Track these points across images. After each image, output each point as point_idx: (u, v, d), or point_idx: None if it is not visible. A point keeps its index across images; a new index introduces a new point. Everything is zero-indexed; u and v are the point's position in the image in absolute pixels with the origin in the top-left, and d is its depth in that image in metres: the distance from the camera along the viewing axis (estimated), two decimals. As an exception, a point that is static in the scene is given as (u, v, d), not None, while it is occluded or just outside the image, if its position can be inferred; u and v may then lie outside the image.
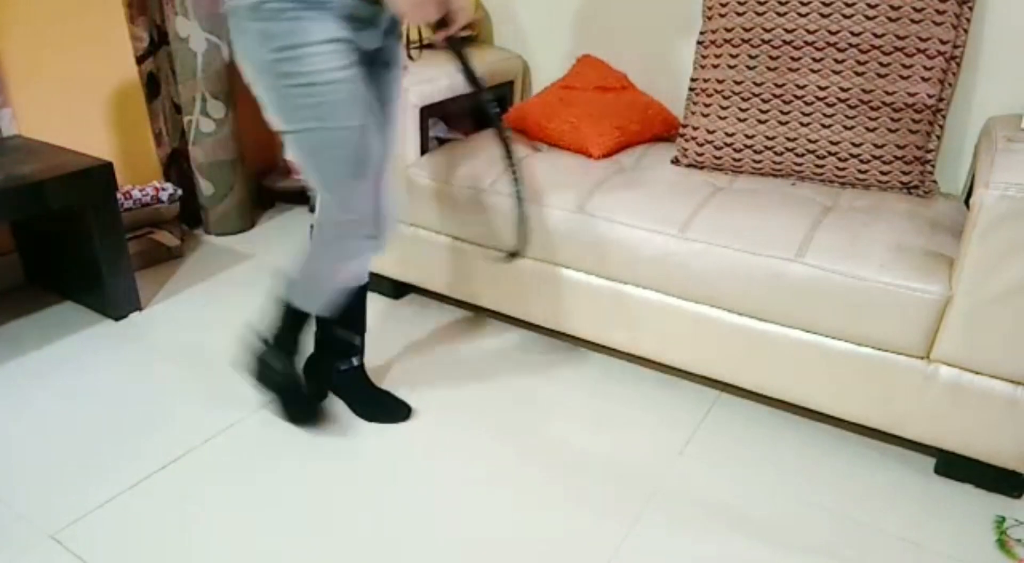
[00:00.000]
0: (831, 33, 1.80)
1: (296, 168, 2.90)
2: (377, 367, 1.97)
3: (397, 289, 2.31)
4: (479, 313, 2.22)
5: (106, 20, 2.40)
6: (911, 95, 1.77)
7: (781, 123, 1.88)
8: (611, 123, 2.08)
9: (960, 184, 1.95)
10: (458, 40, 1.40)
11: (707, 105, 1.96)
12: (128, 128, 2.55)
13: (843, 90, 1.81)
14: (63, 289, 2.29)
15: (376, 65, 1.48)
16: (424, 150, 2.11)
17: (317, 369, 1.79)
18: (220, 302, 2.29)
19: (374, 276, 2.29)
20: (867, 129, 1.81)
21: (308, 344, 1.72)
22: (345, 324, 1.72)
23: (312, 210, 2.78)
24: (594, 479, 1.60)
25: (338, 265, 1.53)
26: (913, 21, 1.75)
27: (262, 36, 1.30)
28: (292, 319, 1.63)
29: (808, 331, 1.63)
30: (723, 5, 1.93)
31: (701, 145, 1.97)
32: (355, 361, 1.77)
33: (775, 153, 1.90)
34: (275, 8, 1.27)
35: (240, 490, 1.56)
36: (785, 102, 1.86)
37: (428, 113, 2.09)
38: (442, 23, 1.37)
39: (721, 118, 1.94)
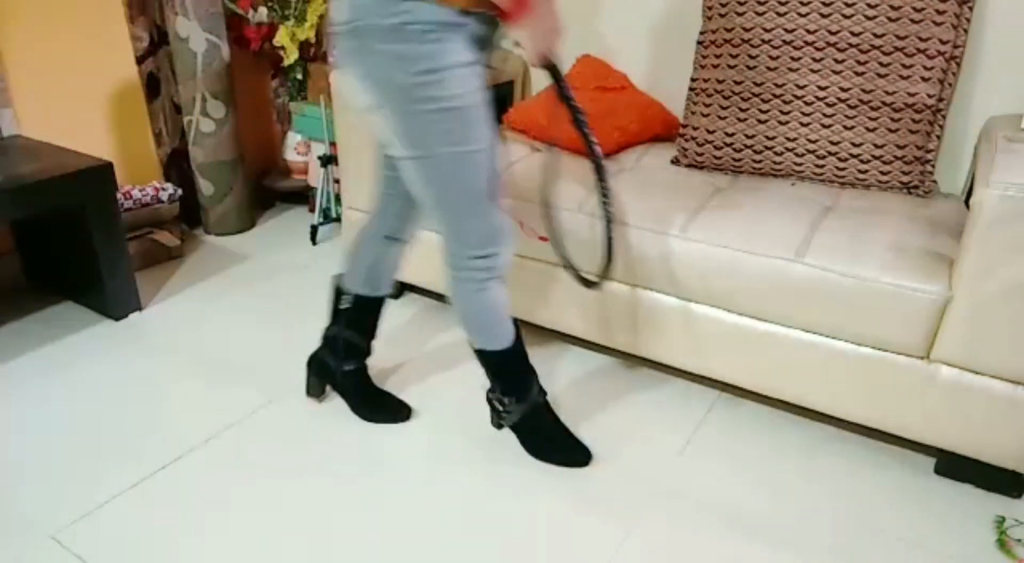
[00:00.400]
0: (831, 33, 1.80)
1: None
2: (376, 367, 1.97)
3: (397, 289, 2.31)
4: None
5: (106, 20, 2.40)
6: (911, 95, 1.77)
7: (781, 123, 1.88)
8: (611, 123, 2.08)
9: (960, 184, 1.95)
10: (554, 63, 1.39)
11: (707, 105, 1.96)
12: (128, 128, 2.55)
13: (843, 90, 1.81)
14: (63, 289, 2.29)
15: None
16: (424, 150, 2.11)
17: (321, 366, 1.79)
18: (220, 302, 2.29)
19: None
20: (867, 129, 1.81)
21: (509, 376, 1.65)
22: (356, 327, 1.73)
23: (312, 210, 2.79)
24: (594, 479, 1.60)
25: (480, 297, 1.49)
26: (913, 21, 1.75)
27: (400, 59, 1.25)
28: (495, 363, 1.59)
29: (808, 331, 1.63)
30: (723, 5, 1.93)
31: (701, 145, 1.97)
32: (360, 362, 1.77)
33: (775, 153, 1.90)
34: (417, 30, 1.23)
35: (240, 490, 1.56)
36: (785, 102, 1.86)
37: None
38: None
39: (721, 118, 1.94)
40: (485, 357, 1.58)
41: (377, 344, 2.08)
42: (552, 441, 1.66)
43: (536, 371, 1.64)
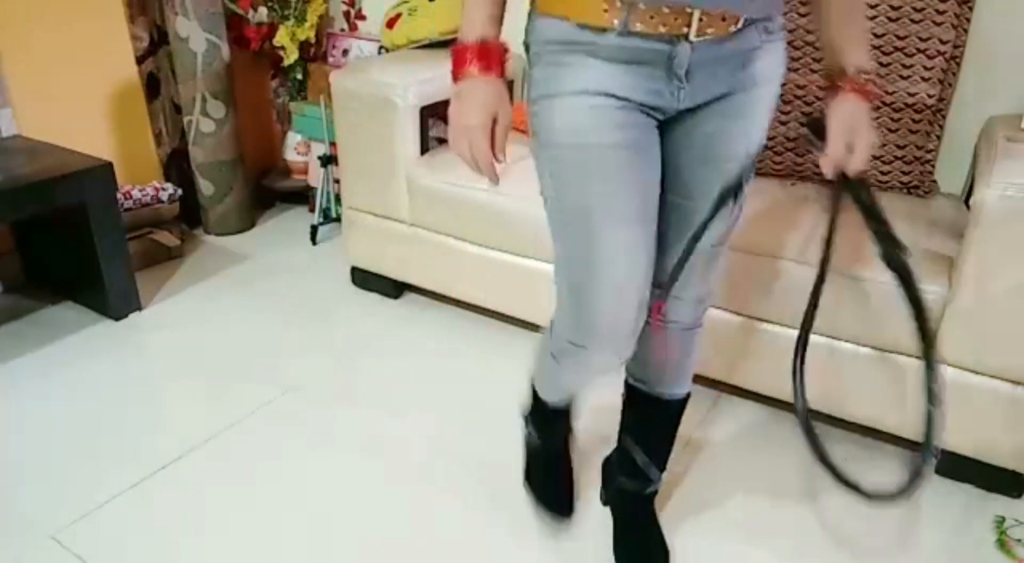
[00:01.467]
0: (831, 33, 1.80)
1: (298, 169, 2.90)
2: (377, 366, 1.97)
3: (397, 288, 2.31)
4: (473, 310, 2.22)
5: (106, 20, 2.40)
6: (911, 95, 1.77)
7: (781, 123, 1.88)
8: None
9: (960, 184, 1.95)
10: (856, 183, 1.08)
11: (707, 105, 1.96)
12: (128, 128, 2.55)
13: (843, 90, 1.81)
14: (63, 289, 2.29)
15: (681, 134, 1.08)
16: (424, 150, 2.11)
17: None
18: (220, 302, 2.29)
19: (372, 275, 2.30)
20: (867, 129, 1.81)
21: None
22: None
23: (312, 210, 2.79)
24: (594, 479, 1.60)
25: (549, 362, 1.26)
26: (913, 21, 1.75)
27: (528, 83, 1.07)
28: (532, 397, 1.43)
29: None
30: (723, 5, 1.93)
31: (701, 145, 1.97)
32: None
33: (775, 153, 1.90)
34: (537, 51, 1.04)
35: (240, 490, 1.56)
36: (785, 102, 1.86)
37: (428, 113, 2.09)
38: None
39: (721, 118, 1.94)
40: (530, 388, 1.43)
41: (375, 343, 2.09)
42: (541, 482, 1.54)
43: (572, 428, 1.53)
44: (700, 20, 0.95)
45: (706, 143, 1.07)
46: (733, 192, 1.11)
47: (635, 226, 1.06)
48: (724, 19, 0.96)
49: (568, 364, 1.20)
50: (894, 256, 1.11)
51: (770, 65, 1.05)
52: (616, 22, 0.96)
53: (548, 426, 1.47)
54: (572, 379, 1.27)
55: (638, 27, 0.96)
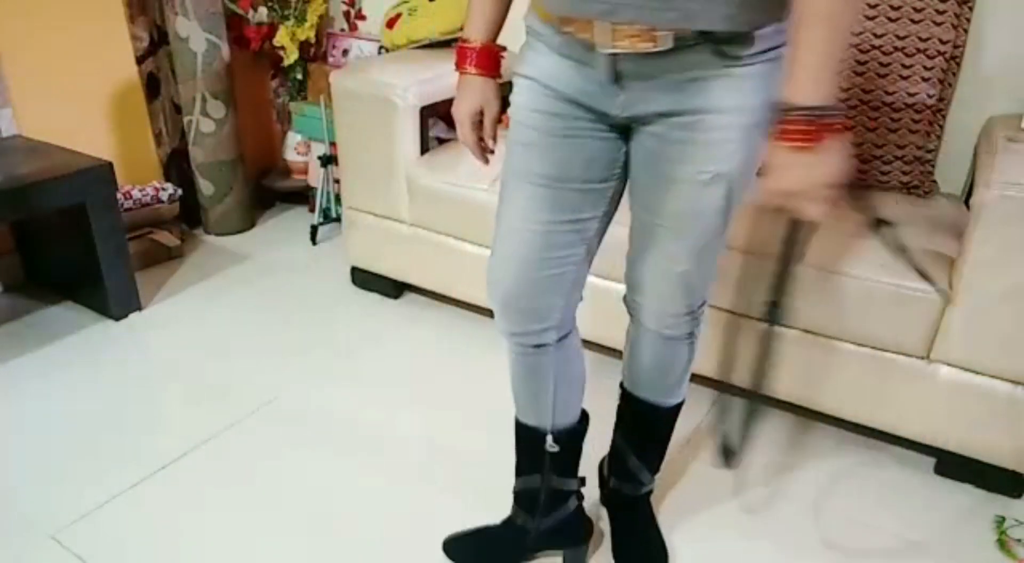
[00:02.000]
0: (831, 33, 1.80)
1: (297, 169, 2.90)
2: (377, 367, 1.97)
3: (397, 288, 2.31)
4: (473, 310, 2.22)
5: (106, 20, 2.40)
6: (911, 95, 1.77)
7: (781, 123, 1.88)
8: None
9: (960, 184, 1.95)
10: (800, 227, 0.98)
11: (707, 105, 1.96)
12: (128, 128, 2.55)
13: (843, 90, 1.81)
14: (63, 289, 2.29)
15: (643, 148, 1.07)
16: (424, 150, 2.11)
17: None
18: (220, 302, 2.29)
19: (372, 275, 2.30)
20: (867, 129, 1.81)
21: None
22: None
23: (312, 210, 2.79)
24: (593, 479, 1.60)
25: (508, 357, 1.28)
26: (913, 21, 1.75)
27: None
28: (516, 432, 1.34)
29: (807, 331, 1.63)
30: (723, 5, 1.92)
31: (701, 145, 1.97)
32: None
33: (775, 153, 1.90)
34: (525, 32, 1.12)
35: (240, 490, 1.56)
36: (785, 102, 1.86)
37: (428, 113, 2.09)
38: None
39: (721, 118, 1.94)
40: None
41: (376, 343, 2.08)
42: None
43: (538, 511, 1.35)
44: (613, 31, 0.95)
45: (651, 159, 1.06)
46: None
47: (534, 202, 1.10)
48: (637, 35, 0.93)
49: (510, 350, 1.25)
50: (774, 311, 1.09)
51: (735, 93, 0.97)
52: (553, 20, 1.03)
53: (520, 470, 1.35)
54: (513, 366, 1.26)
55: (568, 29, 1.00)
